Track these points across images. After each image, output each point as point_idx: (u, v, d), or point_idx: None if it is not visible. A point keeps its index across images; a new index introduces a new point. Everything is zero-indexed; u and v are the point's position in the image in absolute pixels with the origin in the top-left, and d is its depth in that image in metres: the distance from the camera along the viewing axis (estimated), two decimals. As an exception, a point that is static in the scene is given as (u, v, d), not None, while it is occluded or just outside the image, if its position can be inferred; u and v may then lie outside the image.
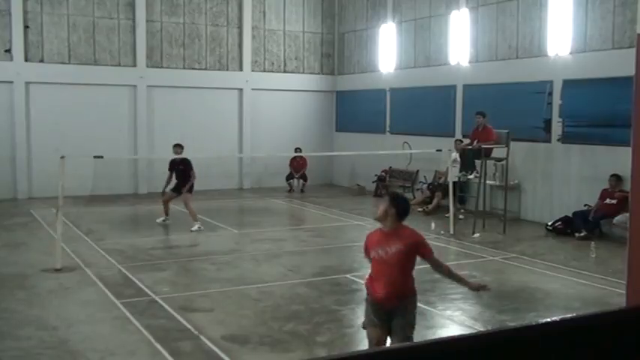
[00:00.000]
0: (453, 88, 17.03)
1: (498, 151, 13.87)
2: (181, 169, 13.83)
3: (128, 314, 7.93)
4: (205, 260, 10.93)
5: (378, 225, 5.59)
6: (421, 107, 18.22)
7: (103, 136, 18.29)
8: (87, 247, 11.77)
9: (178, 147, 13.82)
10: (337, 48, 22.12)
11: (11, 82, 17.89)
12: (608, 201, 12.69)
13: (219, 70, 20.52)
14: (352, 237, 13.26)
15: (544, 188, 14.53)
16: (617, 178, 12.59)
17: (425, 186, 17.40)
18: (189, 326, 7.48)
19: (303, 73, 21.78)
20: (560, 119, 14.09)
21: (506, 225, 13.55)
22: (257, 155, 20.05)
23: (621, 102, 11.89)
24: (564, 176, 14.08)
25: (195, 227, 13.48)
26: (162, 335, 7.19)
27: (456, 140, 15.79)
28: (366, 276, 5.67)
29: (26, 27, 18.06)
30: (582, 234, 12.67)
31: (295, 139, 20.13)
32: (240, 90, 20.82)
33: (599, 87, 13.27)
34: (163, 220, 14.41)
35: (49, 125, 18.18)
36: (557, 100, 14.15)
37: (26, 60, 18.11)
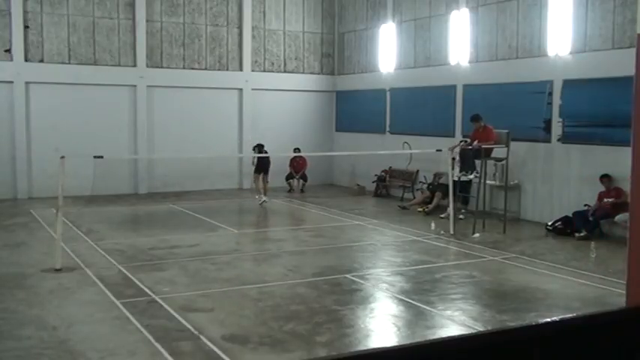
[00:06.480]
0: (453, 88, 17.03)
1: (498, 151, 13.87)
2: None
3: (128, 314, 7.92)
4: (205, 260, 10.92)
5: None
6: (421, 107, 18.22)
7: (103, 136, 18.30)
8: (87, 247, 11.77)
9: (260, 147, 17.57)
10: (337, 48, 22.12)
11: (11, 82, 17.89)
12: (605, 201, 12.72)
13: (219, 70, 20.52)
14: (352, 237, 13.27)
15: (544, 188, 14.53)
16: (609, 178, 12.66)
17: (425, 186, 17.40)
18: (189, 326, 7.48)
19: (303, 73, 21.78)
20: (560, 119, 14.09)
21: (506, 225, 13.56)
22: (257, 155, 20.05)
23: (621, 102, 11.89)
24: (564, 176, 14.08)
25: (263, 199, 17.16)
26: (162, 335, 7.18)
27: (461, 141, 15.36)
28: None
29: (26, 27, 18.06)
30: (582, 234, 12.67)
31: (295, 139, 20.13)
32: (240, 90, 20.83)
33: (599, 87, 13.27)
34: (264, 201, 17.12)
35: (49, 125, 18.17)
36: (557, 100, 14.15)
37: (26, 60, 18.11)
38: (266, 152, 17.39)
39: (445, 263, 10.88)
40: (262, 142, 17.93)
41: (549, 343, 2.34)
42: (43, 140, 18.06)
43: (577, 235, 12.74)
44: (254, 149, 17.88)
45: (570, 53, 13.97)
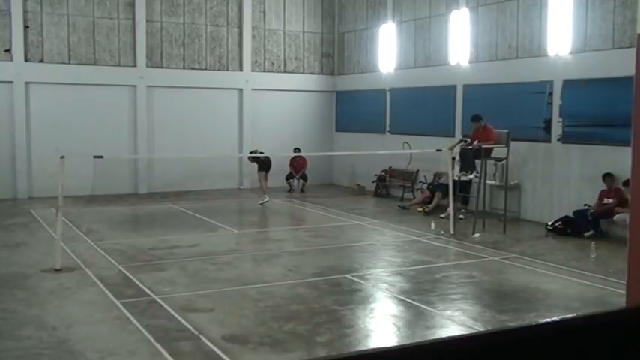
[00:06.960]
0: (453, 88, 17.03)
1: (498, 151, 13.87)
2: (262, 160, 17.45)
3: (128, 314, 7.92)
4: (205, 260, 10.92)
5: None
6: (421, 107, 18.22)
7: (103, 136, 18.30)
8: (87, 247, 11.77)
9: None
10: (337, 48, 22.12)
11: (11, 82, 17.89)
12: (605, 201, 12.73)
13: (219, 70, 20.52)
14: (352, 237, 13.27)
15: (544, 188, 14.53)
16: (611, 177, 12.67)
17: (425, 186, 17.39)
18: (189, 326, 7.48)
19: (303, 73, 21.78)
20: (560, 119, 14.09)
21: (506, 225, 13.55)
22: (257, 155, 20.07)
23: (621, 102, 11.90)
24: (564, 176, 14.08)
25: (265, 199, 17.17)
26: (162, 335, 7.18)
27: (461, 140, 15.39)
28: None
29: (26, 27, 18.05)
30: (590, 232, 12.68)
31: (295, 139, 20.12)
32: (240, 90, 20.83)
33: (599, 87, 13.27)
34: (266, 201, 17.20)
35: (49, 125, 18.17)
36: (557, 100, 14.16)
37: (26, 60, 18.11)
38: (262, 152, 17.34)
39: (445, 263, 10.88)
40: (255, 149, 17.89)
41: (549, 343, 2.34)
42: (43, 140, 18.06)
43: (585, 234, 12.74)
44: (252, 153, 17.89)
45: (570, 53, 13.96)
